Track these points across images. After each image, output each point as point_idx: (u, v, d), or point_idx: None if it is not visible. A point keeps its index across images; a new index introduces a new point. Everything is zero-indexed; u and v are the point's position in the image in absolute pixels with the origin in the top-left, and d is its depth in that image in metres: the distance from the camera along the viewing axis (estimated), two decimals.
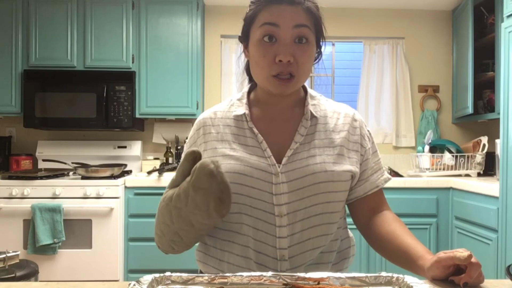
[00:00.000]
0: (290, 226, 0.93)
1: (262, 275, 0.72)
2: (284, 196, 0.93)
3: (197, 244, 1.08)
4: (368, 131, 1.06)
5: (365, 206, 1.03)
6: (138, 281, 0.67)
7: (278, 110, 1.01)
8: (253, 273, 0.72)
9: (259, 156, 0.95)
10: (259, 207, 0.93)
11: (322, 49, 1.02)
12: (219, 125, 1.02)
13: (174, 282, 0.71)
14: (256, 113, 1.02)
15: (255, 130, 0.98)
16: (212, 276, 0.72)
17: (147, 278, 0.70)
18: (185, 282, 0.71)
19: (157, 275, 0.71)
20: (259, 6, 0.93)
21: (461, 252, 0.76)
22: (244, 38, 0.99)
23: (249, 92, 1.06)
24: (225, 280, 0.71)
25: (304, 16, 0.92)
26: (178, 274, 0.72)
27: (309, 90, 1.06)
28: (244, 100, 1.03)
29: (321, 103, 1.05)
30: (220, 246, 1.00)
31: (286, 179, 0.93)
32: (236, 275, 0.72)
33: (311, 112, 1.00)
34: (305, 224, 0.94)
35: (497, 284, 0.78)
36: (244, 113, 1.00)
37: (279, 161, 0.95)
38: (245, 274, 0.72)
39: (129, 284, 0.65)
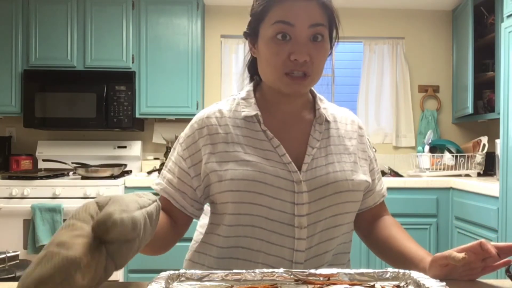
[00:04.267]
0: (309, 238, 0.88)
1: (274, 271, 0.74)
2: (305, 206, 0.86)
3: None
4: (368, 138, 1.05)
5: (368, 214, 1.02)
6: (154, 281, 0.68)
7: (287, 112, 0.95)
8: (265, 270, 0.74)
9: (276, 162, 0.88)
10: (277, 218, 0.86)
11: (334, 47, 0.96)
12: (228, 125, 0.92)
13: (188, 279, 0.73)
14: (264, 114, 0.93)
15: (269, 133, 0.90)
16: (226, 273, 0.73)
17: (163, 275, 0.71)
18: (200, 278, 0.73)
19: (171, 272, 0.72)
20: (270, 1, 0.86)
21: (457, 253, 0.77)
22: (252, 35, 0.92)
23: (254, 91, 0.98)
24: (239, 277, 0.73)
25: (320, 12, 0.86)
26: (192, 271, 0.73)
27: (318, 94, 1.01)
28: (252, 100, 0.94)
29: (328, 107, 1.00)
30: (222, 265, 0.91)
31: (308, 188, 0.87)
32: (249, 272, 0.73)
33: (324, 116, 0.95)
34: (323, 236, 0.89)
35: (497, 284, 0.78)
36: (257, 114, 0.91)
37: (298, 168, 0.88)
38: (257, 270, 0.74)
39: (148, 285, 0.66)
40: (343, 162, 0.93)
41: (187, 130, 0.97)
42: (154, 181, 0.97)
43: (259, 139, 0.91)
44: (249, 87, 0.99)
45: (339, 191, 0.89)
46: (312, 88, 1.00)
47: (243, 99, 0.96)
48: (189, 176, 0.92)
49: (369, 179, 0.96)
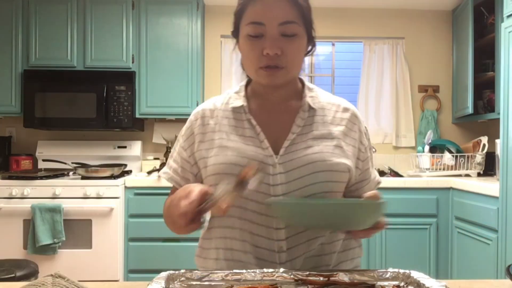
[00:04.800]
0: None
1: (274, 271, 0.74)
2: (282, 187, 0.92)
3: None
4: (365, 127, 1.07)
5: None
6: (154, 281, 0.68)
7: (275, 102, 1.01)
8: (265, 270, 0.75)
9: (257, 147, 0.95)
10: (255, 198, 0.92)
11: (314, 42, 1.00)
12: (218, 116, 1.01)
13: (188, 279, 0.73)
14: (253, 105, 1.02)
15: (253, 121, 0.98)
16: (226, 273, 0.74)
17: (163, 275, 0.71)
18: (200, 278, 0.73)
19: (171, 271, 0.72)
20: (246, 1, 0.94)
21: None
22: (235, 33, 1.00)
23: (246, 85, 1.07)
24: (239, 277, 0.73)
25: (290, 10, 0.91)
26: (192, 271, 0.74)
27: (307, 83, 1.06)
28: (242, 93, 1.03)
29: (318, 95, 1.05)
30: (215, 245, 0.99)
31: (284, 170, 0.93)
32: (249, 272, 0.74)
33: (308, 104, 1.00)
34: None
35: (497, 284, 0.78)
36: (242, 105, 1.00)
37: (276, 152, 0.95)
38: (258, 270, 0.74)
39: (148, 285, 0.66)
40: (323, 145, 0.97)
41: (187, 123, 1.07)
42: (162, 170, 1.08)
43: (243, 127, 0.99)
44: (243, 82, 1.08)
45: (315, 171, 0.93)
46: (302, 78, 1.07)
47: (236, 92, 1.05)
48: (190, 164, 1.02)
49: (350, 163, 0.98)
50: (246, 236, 0.94)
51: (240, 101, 1.01)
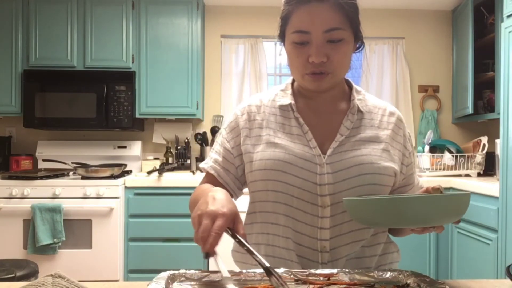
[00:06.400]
0: (333, 217, 0.93)
1: None
2: (329, 187, 0.92)
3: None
4: (408, 132, 1.08)
5: None
6: (154, 281, 0.68)
7: (322, 103, 1.02)
8: None
9: (304, 145, 0.96)
10: (301, 197, 0.93)
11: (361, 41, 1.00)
12: (265, 113, 1.03)
13: (188, 279, 0.73)
14: (300, 104, 1.03)
15: (301, 120, 0.98)
16: None
17: (163, 275, 0.71)
18: (200, 279, 0.73)
19: (172, 272, 0.72)
20: (290, 6, 0.93)
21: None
22: (281, 37, 1.01)
23: (292, 83, 1.07)
24: (239, 277, 0.73)
25: (335, 16, 0.90)
26: (192, 271, 0.73)
27: (354, 85, 1.06)
28: (289, 91, 1.04)
29: (366, 99, 1.05)
30: (255, 240, 0.99)
31: (331, 170, 0.93)
32: (249, 272, 0.74)
33: (357, 107, 1.00)
34: (347, 216, 0.93)
35: (497, 284, 0.78)
36: (290, 103, 1.01)
37: (324, 152, 0.95)
38: (257, 270, 0.74)
39: (148, 285, 0.66)
40: (371, 148, 0.97)
41: (231, 117, 1.08)
42: (203, 162, 1.08)
43: (290, 125, 0.99)
44: (289, 80, 1.09)
45: (363, 173, 0.93)
46: (350, 80, 1.07)
47: (282, 90, 1.06)
48: (232, 155, 1.03)
49: (398, 168, 0.99)
50: (290, 233, 0.94)
51: (287, 99, 1.02)
